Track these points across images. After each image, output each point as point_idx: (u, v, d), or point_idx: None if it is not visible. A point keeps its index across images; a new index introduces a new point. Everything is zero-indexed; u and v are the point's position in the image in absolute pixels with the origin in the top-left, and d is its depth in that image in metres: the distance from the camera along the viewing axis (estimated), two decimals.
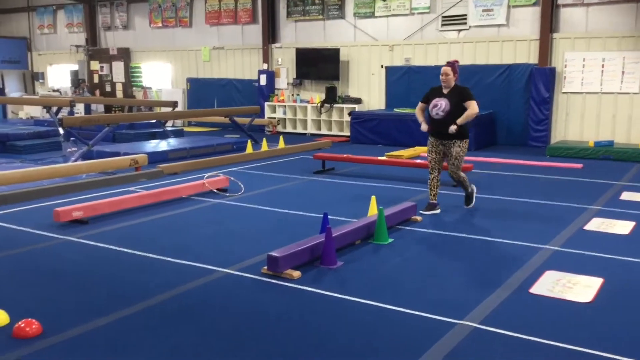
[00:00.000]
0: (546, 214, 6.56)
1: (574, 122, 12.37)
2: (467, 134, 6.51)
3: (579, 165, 9.84)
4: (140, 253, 5.09)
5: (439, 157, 6.53)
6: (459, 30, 13.34)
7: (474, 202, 6.77)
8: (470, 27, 13.16)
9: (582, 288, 4.24)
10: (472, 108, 6.31)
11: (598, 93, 12.04)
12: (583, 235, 5.69)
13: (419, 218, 6.22)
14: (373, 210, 5.95)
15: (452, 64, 6.47)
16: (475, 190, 6.80)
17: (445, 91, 6.45)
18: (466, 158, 10.40)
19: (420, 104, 6.71)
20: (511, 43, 12.75)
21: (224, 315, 3.81)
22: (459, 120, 6.28)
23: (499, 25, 12.84)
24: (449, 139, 6.40)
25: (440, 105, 6.35)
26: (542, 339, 3.42)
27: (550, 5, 12.11)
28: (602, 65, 11.91)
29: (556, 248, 5.26)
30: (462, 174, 6.59)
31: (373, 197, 6.12)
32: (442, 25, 13.47)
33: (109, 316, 3.74)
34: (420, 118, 6.70)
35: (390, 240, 5.46)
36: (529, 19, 12.52)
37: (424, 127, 6.58)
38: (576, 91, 12.25)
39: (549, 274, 4.53)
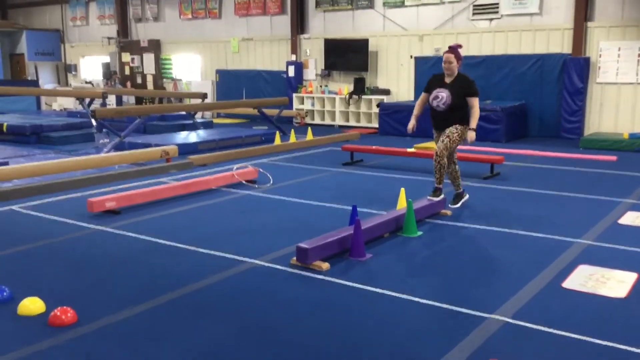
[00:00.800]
0: (579, 207, 6.44)
1: (608, 114, 12.09)
2: (468, 120, 6.09)
3: (613, 158, 9.63)
4: (171, 243, 5.15)
5: None
6: (491, 19, 13.13)
7: (439, 199, 6.08)
8: (502, 15, 12.94)
9: (616, 283, 4.16)
10: (477, 107, 6.00)
11: (634, 84, 11.74)
12: (617, 229, 5.58)
13: (448, 212, 6.16)
14: (402, 202, 5.92)
15: (454, 50, 6.02)
16: (442, 196, 6.13)
17: (447, 80, 6.07)
18: (497, 150, 10.35)
19: (422, 95, 6.33)
20: (544, 32, 12.50)
21: (253, 305, 3.84)
22: (473, 125, 5.98)
23: (531, 14, 12.60)
24: (447, 127, 6.10)
25: (442, 97, 5.99)
26: (574, 334, 3.37)
27: None
28: (639, 55, 11.61)
29: (589, 242, 5.16)
30: (445, 160, 6.08)
31: (402, 190, 6.08)
32: (473, 14, 13.27)
33: (142, 305, 3.81)
34: (415, 111, 6.36)
35: (420, 233, 5.43)
36: (562, 8, 12.25)
37: (411, 125, 6.28)
38: (611, 82, 11.96)
39: (582, 268, 4.45)
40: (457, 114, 6.04)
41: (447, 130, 6.03)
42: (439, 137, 6.20)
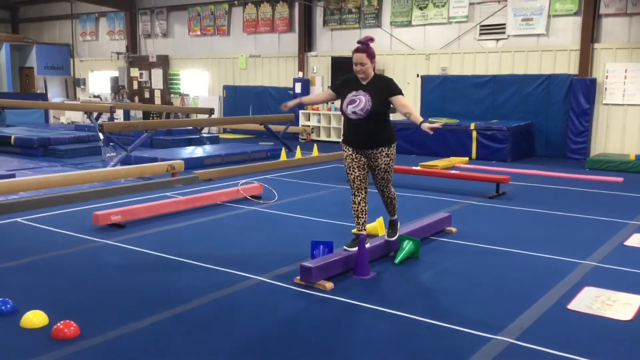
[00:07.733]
0: (585, 228, 6.42)
1: (614, 135, 12.09)
2: (394, 136, 4.92)
3: (620, 179, 9.60)
4: (176, 258, 5.15)
5: (364, 172, 4.96)
6: (497, 40, 13.20)
7: (398, 234, 5.28)
8: (509, 36, 13.01)
9: (622, 305, 4.13)
10: (408, 105, 4.83)
11: None
12: (623, 251, 5.55)
13: (453, 229, 6.14)
14: (379, 230, 5.80)
15: (365, 46, 4.70)
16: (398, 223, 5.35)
17: (364, 82, 4.79)
18: (503, 169, 10.32)
19: (327, 91, 5.14)
20: (551, 53, 12.55)
21: (256, 323, 3.83)
22: (420, 119, 4.73)
23: (538, 35, 12.67)
24: (372, 148, 4.84)
25: (360, 101, 4.70)
26: (580, 357, 3.34)
27: (591, 15, 11.90)
28: None
29: (595, 263, 5.13)
30: (393, 190, 5.16)
31: (380, 219, 5.90)
32: (480, 34, 13.35)
33: (145, 320, 3.80)
34: (304, 98, 5.43)
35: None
36: (569, 29, 12.31)
37: (289, 103, 5.19)
38: (617, 103, 11.98)
39: (588, 290, 4.42)
40: (380, 125, 4.81)
41: (382, 164, 4.89)
42: (356, 157, 4.93)
